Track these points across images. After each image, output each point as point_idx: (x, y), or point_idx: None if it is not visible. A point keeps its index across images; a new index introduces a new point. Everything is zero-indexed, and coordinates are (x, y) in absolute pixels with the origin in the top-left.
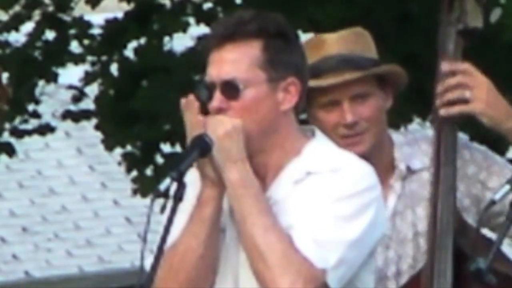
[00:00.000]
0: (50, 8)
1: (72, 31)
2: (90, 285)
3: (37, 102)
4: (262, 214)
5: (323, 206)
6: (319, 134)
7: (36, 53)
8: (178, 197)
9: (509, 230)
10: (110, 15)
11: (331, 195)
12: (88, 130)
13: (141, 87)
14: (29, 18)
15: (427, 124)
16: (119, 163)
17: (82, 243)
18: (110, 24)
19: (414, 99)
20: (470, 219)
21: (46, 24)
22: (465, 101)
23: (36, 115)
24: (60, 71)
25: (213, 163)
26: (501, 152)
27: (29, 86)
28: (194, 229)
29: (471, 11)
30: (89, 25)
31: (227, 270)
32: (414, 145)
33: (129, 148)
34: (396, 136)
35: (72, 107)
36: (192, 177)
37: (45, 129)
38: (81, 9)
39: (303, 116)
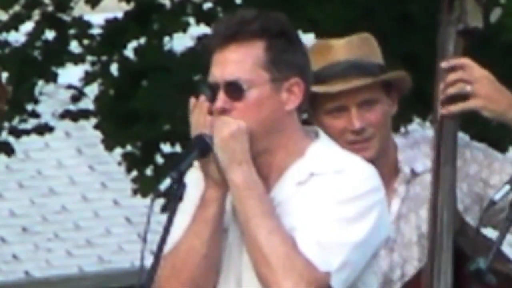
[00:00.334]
0: (50, 8)
1: (72, 31)
2: (90, 285)
3: (36, 102)
4: (266, 216)
5: (326, 208)
6: (322, 135)
7: (36, 53)
8: (178, 197)
9: (509, 230)
10: (110, 15)
11: (334, 197)
12: (88, 130)
13: (141, 87)
14: (29, 18)
15: (427, 124)
16: (119, 163)
17: (82, 243)
18: (110, 24)
19: (414, 99)
20: (473, 217)
21: (46, 24)
22: (465, 97)
23: (35, 114)
24: (60, 71)
25: (217, 164)
26: (501, 151)
27: (29, 86)
28: (197, 229)
29: (471, 11)
30: (89, 25)
31: (230, 270)
32: (415, 147)
33: (129, 148)
34: (398, 139)
35: (72, 107)
36: (194, 177)
37: (44, 129)
38: (81, 9)
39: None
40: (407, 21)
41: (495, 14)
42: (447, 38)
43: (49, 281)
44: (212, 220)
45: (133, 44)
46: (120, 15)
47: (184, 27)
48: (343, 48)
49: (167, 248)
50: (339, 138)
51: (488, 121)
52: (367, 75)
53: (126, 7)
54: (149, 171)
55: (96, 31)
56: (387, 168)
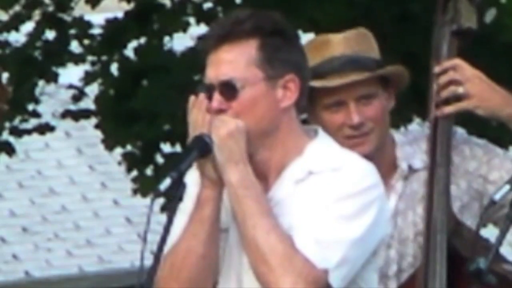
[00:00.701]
0: (50, 8)
1: (72, 31)
2: (90, 285)
3: (37, 101)
4: (263, 216)
5: (324, 206)
6: (321, 133)
7: (36, 53)
8: (178, 197)
9: (509, 229)
10: (110, 15)
11: (332, 195)
12: (88, 130)
13: (141, 87)
14: (29, 18)
15: (427, 124)
16: (119, 163)
17: (82, 243)
18: (110, 24)
19: (413, 99)
20: (472, 215)
21: (46, 24)
22: (458, 98)
23: (36, 114)
24: (60, 71)
25: (213, 163)
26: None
27: (29, 86)
28: (193, 229)
29: (464, 11)
30: (89, 25)
31: (230, 270)
32: (414, 144)
33: (129, 148)
34: (397, 136)
35: (72, 107)
36: (194, 177)
37: (45, 129)
38: (81, 9)
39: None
40: (407, 21)
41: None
42: (441, 38)
43: (49, 281)
44: (208, 220)
45: (133, 44)
46: (120, 15)
47: (184, 27)
48: (340, 43)
49: (167, 248)
50: (337, 133)
51: (486, 119)
52: (363, 70)
53: (126, 7)
54: (149, 171)
55: (96, 31)
56: (385, 164)
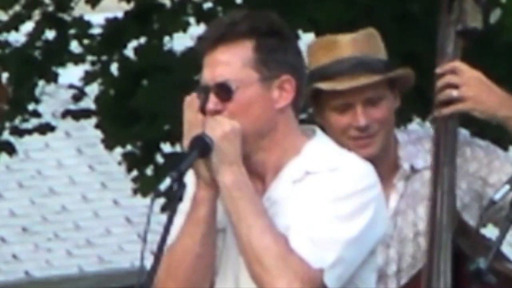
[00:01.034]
0: (50, 8)
1: (72, 31)
2: (90, 285)
3: (37, 101)
4: (258, 216)
5: (321, 206)
6: (319, 133)
7: (36, 53)
8: (178, 198)
9: (509, 230)
10: (110, 15)
11: (329, 195)
12: (88, 130)
13: (141, 86)
14: (29, 18)
15: (427, 124)
16: (119, 163)
17: (82, 243)
18: (110, 23)
19: (414, 99)
20: (472, 215)
21: (46, 24)
22: (454, 100)
23: (36, 114)
24: (60, 71)
25: (208, 164)
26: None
27: (29, 86)
28: (189, 230)
29: (470, 11)
30: (89, 25)
31: (228, 270)
32: (417, 144)
33: (129, 147)
34: (401, 135)
35: (72, 107)
36: (192, 177)
37: (45, 128)
38: (81, 9)
39: (303, 116)
40: (407, 20)
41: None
42: (447, 38)
43: (49, 281)
44: (203, 220)
45: (133, 44)
46: (120, 15)
47: (184, 27)
48: (349, 45)
49: (166, 248)
50: (343, 134)
51: (486, 121)
52: (373, 72)
53: (126, 7)
54: (149, 171)
55: (96, 31)
56: (387, 163)
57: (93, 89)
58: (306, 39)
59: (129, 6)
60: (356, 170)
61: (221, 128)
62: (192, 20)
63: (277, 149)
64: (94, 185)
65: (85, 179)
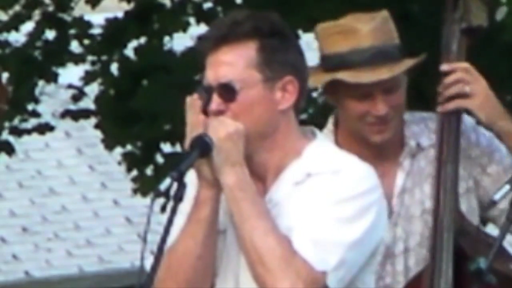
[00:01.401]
0: (50, 8)
1: (72, 31)
2: (90, 285)
3: (37, 101)
4: (261, 218)
5: (323, 208)
6: (319, 135)
7: (36, 53)
8: (178, 198)
9: (509, 230)
10: (110, 15)
11: (331, 197)
12: (88, 130)
13: (141, 86)
14: (29, 18)
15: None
16: (119, 163)
17: (82, 243)
18: (110, 23)
19: (414, 99)
20: (473, 200)
21: (46, 24)
22: (462, 96)
23: (35, 114)
24: (60, 71)
25: (211, 164)
26: None
27: (29, 86)
28: (191, 230)
29: (475, 9)
30: (89, 25)
31: (228, 271)
32: (421, 123)
33: (129, 147)
34: (406, 115)
35: (72, 107)
36: (192, 178)
37: (45, 128)
38: (81, 9)
39: (304, 116)
40: (407, 20)
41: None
42: (451, 37)
43: (49, 281)
44: (205, 220)
45: (133, 44)
46: (120, 15)
47: (184, 27)
48: (369, 34)
49: (166, 248)
50: (360, 120)
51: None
52: (391, 61)
53: (126, 7)
54: (149, 171)
55: (96, 31)
56: (394, 142)
57: (93, 89)
58: (306, 39)
59: (129, 6)
60: (358, 172)
61: (224, 128)
62: (192, 20)
63: (278, 150)
64: (94, 185)
65: (85, 179)
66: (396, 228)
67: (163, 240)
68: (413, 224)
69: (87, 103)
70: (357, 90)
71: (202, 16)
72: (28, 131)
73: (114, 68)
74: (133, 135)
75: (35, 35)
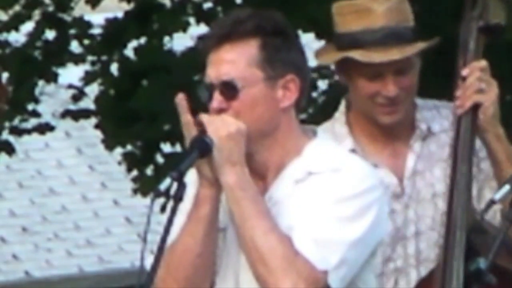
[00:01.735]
0: (50, 8)
1: (72, 31)
2: (90, 285)
3: (37, 101)
4: (262, 217)
5: (324, 207)
6: (320, 133)
7: (36, 53)
8: (178, 197)
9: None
10: (110, 15)
11: (332, 196)
12: (88, 130)
13: (141, 86)
14: (29, 18)
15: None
16: (119, 163)
17: (82, 243)
18: (110, 24)
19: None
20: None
21: (46, 24)
22: (480, 92)
23: (35, 114)
24: (60, 71)
25: (211, 163)
26: None
27: (29, 86)
28: (191, 229)
29: (492, 7)
30: (89, 25)
31: (228, 270)
32: (433, 110)
33: (129, 147)
34: (418, 100)
35: (72, 107)
36: (194, 177)
37: (45, 128)
38: (81, 9)
39: (303, 116)
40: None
41: None
42: (469, 34)
43: (49, 281)
44: (205, 219)
45: (133, 44)
46: (120, 15)
47: (184, 27)
48: (383, 14)
49: (166, 247)
50: (370, 99)
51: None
52: (404, 42)
53: (126, 7)
54: (149, 171)
55: (96, 31)
56: (405, 125)
57: (93, 89)
58: (306, 39)
59: (129, 6)
60: (359, 171)
61: (226, 128)
62: (192, 20)
63: (279, 149)
64: (94, 185)
65: (85, 179)
66: (408, 210)
67: (163, 240)
68: (424, 207)
69: (87, 103)
70: (368, 69)
71: (202, 16)
72: (28, 131)
73: (114, 68)
74: (133, 135)
75: (35, 35)
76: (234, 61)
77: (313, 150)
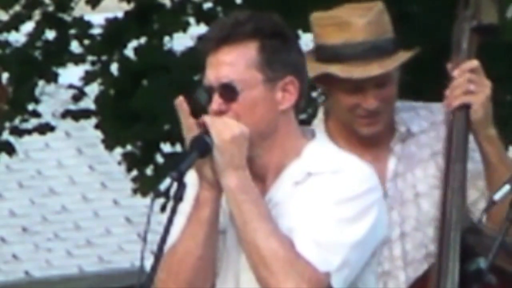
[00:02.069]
0: (50, 8)
1: (72, 31)
2: (90, 285)
3: (37, 101)
4: (263, 220)
5: (324, 209)
6: (319, 135)
7: (36, 53)
8: (178, 198)
9: (509, 230)
10: (110, 15)
11: (332, 198)
12: (88, 130)
13: (141, 86)
14: (29, 18)
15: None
16: (119, 163)
17: (82, 243)
18: (110, 24)
19: (413, 98)
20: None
21: (46, 24)
22: (468, 93)
23: (36, 114)
24: (60, 71)
25: (212, 166)
26: None
27: (29, 86)
28: (192, 231)
29: (485, 7)
30: (89, 25)
31: (228, 272)
32: (411, 111)
33: (129, 148)
34: (396, 103)
35: (72, 107)
36: (194, 179)
37: (45, 128)
38: (81, 9)
39: (303, 116)
40: (406, 20)
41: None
42: (462, 34)
43: (49, 281)
44: (206, 221)
45: (133, 44)
46: (120, 15)
47: (184, 27)
48: (363, 29)
49: (166, 248)
50: (350, 112)
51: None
52: (385, 55)
53: (126, 7)
54: (149, 171)
55: (96, 31)
56: (384, 128)
57: (93, 89)
58: (306, 39)
59: (129, 6)
60: (359, 172)
61: (230, 131)
62: (192, 20)
63: (278, 150)
64: (94, 185)
65: (85, 179)
66: (392, 212)
67: (163, 240)
68: (408, 208)
69: (87, 103)
70: (348, 84)
71: (202, 16)
72: (29, 131)
73: (114, 68)
74: (133, 135)
75: (35, 35)
76: (233, 64)
77: (312, 152)
